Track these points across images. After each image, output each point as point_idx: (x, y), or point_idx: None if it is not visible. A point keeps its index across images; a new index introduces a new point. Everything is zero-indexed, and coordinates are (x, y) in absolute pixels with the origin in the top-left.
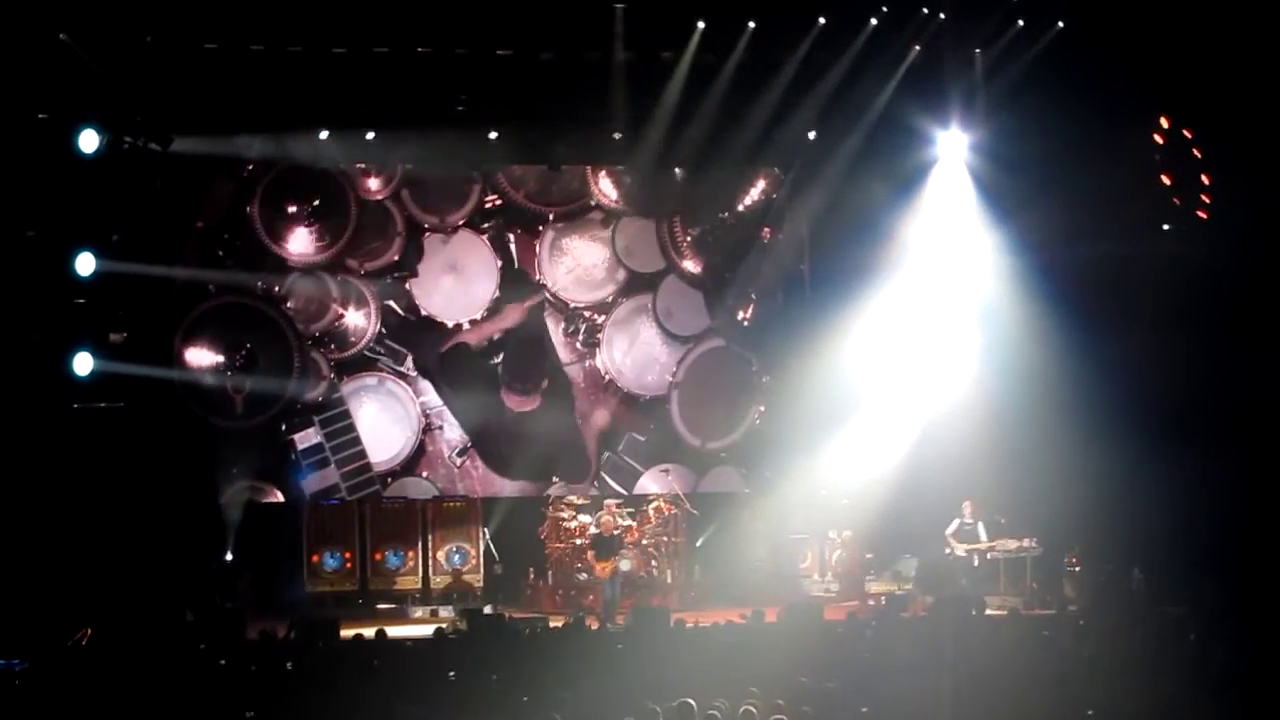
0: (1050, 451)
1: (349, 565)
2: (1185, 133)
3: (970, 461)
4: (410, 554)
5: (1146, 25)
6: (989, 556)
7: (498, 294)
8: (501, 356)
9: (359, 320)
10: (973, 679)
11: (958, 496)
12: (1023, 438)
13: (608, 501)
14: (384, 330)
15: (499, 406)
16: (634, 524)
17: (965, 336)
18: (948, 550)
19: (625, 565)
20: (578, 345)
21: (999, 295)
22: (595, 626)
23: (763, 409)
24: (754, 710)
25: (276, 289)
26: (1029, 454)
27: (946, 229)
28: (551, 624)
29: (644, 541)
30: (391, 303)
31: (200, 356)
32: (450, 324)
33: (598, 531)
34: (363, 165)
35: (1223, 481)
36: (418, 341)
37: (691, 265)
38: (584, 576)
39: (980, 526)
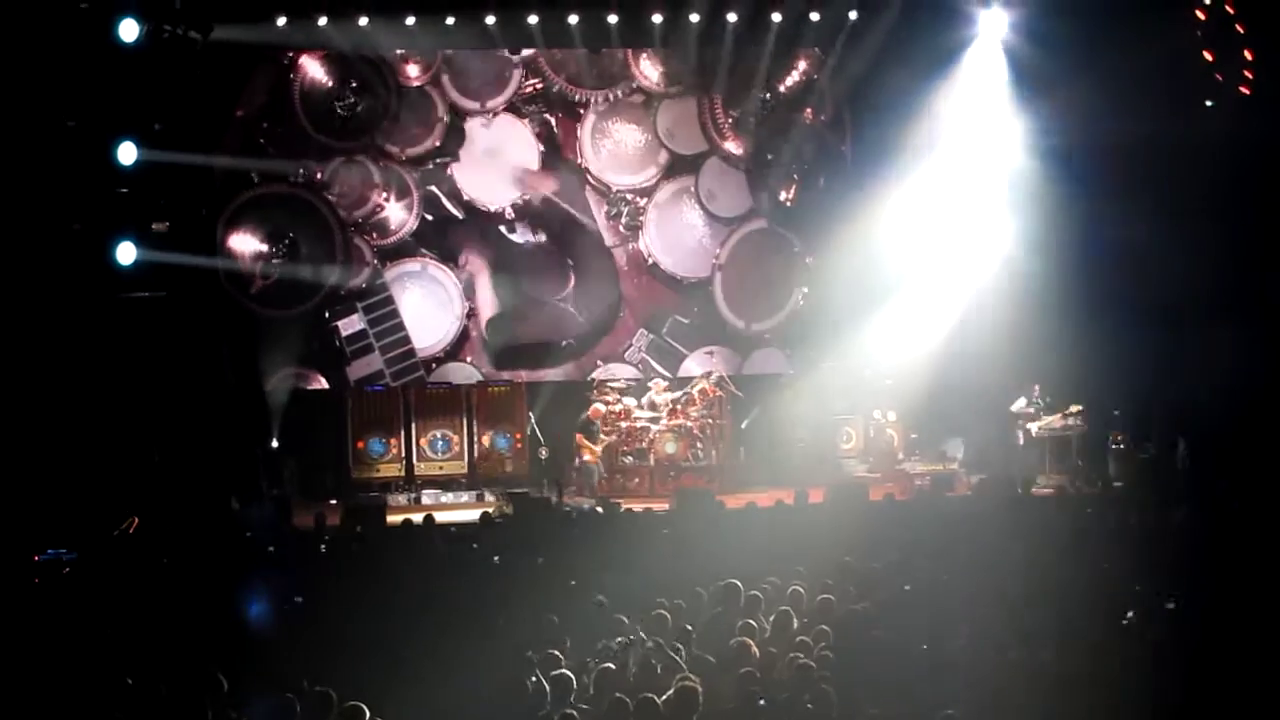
0: (1091, 330)
1: (394, 451)
2: (1227, 8)
3: (1012, 341)
4: (455, 439)
5: None
6: (1034, 435)
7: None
8: (525, 240)
9: (400, 209)
10: (1019, 556)
11: (999, 376)
12: (1063, 317)
13: (654, 383)
14: (426, 216)
15: (538, 290)
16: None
17: (1002, 216)
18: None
19: (670, 448)
20: (620, 228)
21: (1036, 173)
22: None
23: (806, 290)
24: (802, 590)
25: (318, 176)
26: (1070, 333)
27: (985, 108)
28: (597, 508)
29: (689, 424)
30: (433, 188)
31: (242, 244)
32: (493, 209)
33: (586, 416)
34: (403, 51)
35: (1265, 357)
36: (460, 227)
37: (733, 147)
38: (629, 460)
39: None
